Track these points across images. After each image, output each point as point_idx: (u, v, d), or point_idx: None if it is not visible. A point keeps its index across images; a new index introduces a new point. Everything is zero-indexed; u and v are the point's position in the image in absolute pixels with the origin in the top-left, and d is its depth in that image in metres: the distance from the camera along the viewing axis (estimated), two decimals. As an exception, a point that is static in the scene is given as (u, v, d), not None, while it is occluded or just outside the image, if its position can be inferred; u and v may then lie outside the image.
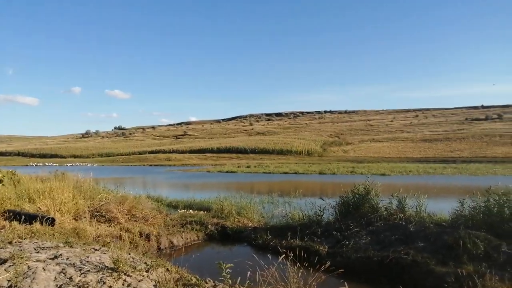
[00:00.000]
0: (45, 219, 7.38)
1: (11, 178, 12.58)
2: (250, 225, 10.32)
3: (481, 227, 6.97)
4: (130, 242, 7.70)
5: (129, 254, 5.37)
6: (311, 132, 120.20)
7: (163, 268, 4.76)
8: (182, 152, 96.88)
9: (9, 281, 3.53)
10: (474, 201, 7.76)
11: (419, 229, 7.46)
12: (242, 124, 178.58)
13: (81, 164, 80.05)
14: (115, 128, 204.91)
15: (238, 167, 51.80)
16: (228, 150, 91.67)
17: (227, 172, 44.96)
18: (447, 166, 45.59)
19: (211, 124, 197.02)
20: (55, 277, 3.82)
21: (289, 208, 11.59)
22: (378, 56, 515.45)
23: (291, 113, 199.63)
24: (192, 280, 4.51)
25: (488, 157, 62.71)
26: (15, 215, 7.65)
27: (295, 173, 39.78)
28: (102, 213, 9.39)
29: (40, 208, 8.65)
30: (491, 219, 7.10)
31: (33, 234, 6.26)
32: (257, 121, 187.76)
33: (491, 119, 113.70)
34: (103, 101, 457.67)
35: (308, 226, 8.99)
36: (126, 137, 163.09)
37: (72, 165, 74.90)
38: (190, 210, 12.48)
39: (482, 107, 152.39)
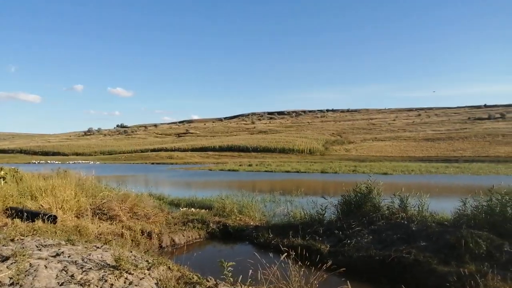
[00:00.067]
0: (47, 216, 7.40)
1: (13, 175, 12.63)
2: (251, 223, 10.32)
3: (484, 227, 6.94)
4: (132, 240, 7.72)
5: (131, 252, 5.38)
6: (313, 131, 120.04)
7: (165, 266, 4.76)
8: (184, 150, 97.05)
9: (11, 278, 3.54)
10: (476, 201, 7.73)
11: (421, 229, 7.44)
12: (244, 122, 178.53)
13: (83, 162, 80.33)
14: (117, 126, 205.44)
15: (240, 165, 51.77)
16: (230, 149, 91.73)
17: (229, 170, 44.97)
18: (449, 165, 45.43)
19: (213, 122, 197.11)
20: (56, 275, 3.83)
21: (291, 206, 11.58)
22: (379, 56, 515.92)
23: (293, 112, 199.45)
24: (193, 278, 4.51)
25: (491, 156, 62.49)
26: (18, 213, 7.67)
27: (297, 171, 39.76)
28: (104, 211, 9.41)
29: (42, 206, 8.69)
30: (493, 219, 7.07)
31: (35, 232, 6.27)
32: (259, 119, 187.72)
33: (494, 118, 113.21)
34: (106, 99, 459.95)
35: (310, 225, 8.99)
36: (128, 135, 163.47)
37: (74, 163, 75.14)
38: (192, 208, 12.50)
39: (485, 106, 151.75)
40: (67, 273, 3.91)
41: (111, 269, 4.16)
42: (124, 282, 3.91)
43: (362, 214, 8.67)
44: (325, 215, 9.40)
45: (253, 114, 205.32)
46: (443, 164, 47.97)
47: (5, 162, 63.48)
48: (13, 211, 7.86)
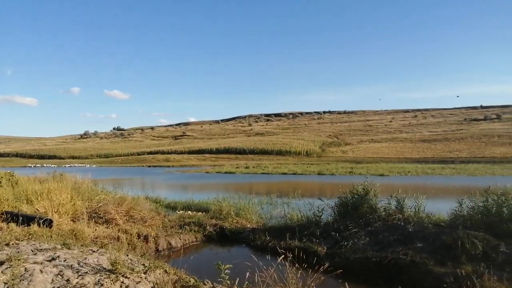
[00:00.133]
0: (42, 220, 7.35)
1: (9, 179, 12.53)
2: (248, 226, 10.31)
3: (480, 227, 6.97)
4: (128, 244, 7.68)
5: (127, 255, 5.35)
6: (310, 133, 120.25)
7: (161, 269, 4.75)
8: (181, 153, 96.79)
9: (5, 283, 3.51)
10: (472, 202, 7.77)
11: (417, 230, 7.46)
12: (241, 124, 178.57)
13: (80, 165, 79.92)
14: (114, 128, 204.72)
15: (236, 167, 51.75)
16: (227, 151, 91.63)
17: (225, 172, 44.94)
18: (445, 166, 45.63)
19: (210, 124, 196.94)
20: (52, 279, 3.81)
21: (288, 209, 11.59)
22: (378, 56, 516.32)
23: (290, 114, 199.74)
24: (190, 281, 4.50)
25: (487, 157, 62.80)
26: (13, 217, 7.61)
27: (294, 173, 39.78)
28: (100, 214, 9.36)
29: (38, 210, 8.63)
30: (489, 219, 7.11)
31: (30, 236, 6.23)
32: (256, 121, 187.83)
33: (489, 119, 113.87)
34: (102, 102, 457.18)
35: (306, 227, 8.99)
36: (125, 137, 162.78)
37: (70, 166, 74.74)
38: (189, 211, 12.47)
39: (481, 107, 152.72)
40: (62, 277, 3.89)
41: (107, 273, 4.15)
42: (121, 286, 3.89)
43: (359, 215, 8.68)
44: (322, 217, 9.40)
45: (250, 116, 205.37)
46: (439, 165, 48.18)
47: (0, 166, 63.10)
48: (9, 215, 7.80)
